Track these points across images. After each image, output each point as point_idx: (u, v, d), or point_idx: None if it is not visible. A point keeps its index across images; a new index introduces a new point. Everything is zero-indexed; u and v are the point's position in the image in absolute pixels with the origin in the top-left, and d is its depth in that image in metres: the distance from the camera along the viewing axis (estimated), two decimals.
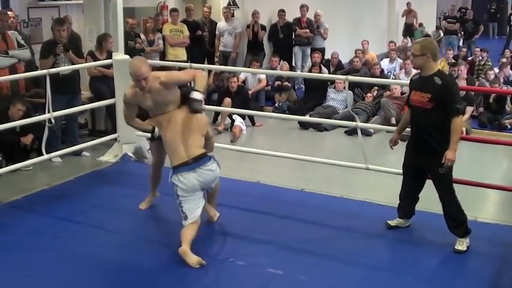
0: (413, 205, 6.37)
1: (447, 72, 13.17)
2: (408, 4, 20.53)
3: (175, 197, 5.89)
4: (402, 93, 11.92)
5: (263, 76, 13.04)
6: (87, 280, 5.37)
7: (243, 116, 10.95)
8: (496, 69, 13.76)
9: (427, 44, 5.94)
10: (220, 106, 10.76)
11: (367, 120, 11.20)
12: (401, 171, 6.79)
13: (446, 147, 5.72)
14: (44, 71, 7.62)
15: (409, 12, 20.43)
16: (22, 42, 9.19)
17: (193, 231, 5.74)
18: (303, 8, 14.71)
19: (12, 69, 8.78)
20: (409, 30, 20.19)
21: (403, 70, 13.26)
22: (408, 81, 6.50)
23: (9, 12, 10.30)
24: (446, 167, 5.77)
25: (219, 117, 11.00)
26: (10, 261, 5.67)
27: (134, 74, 5.96)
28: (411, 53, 7.48)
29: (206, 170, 5.93)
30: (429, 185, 6.20)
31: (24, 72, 8.91)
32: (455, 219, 5.96)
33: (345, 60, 15.07)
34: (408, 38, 19.33)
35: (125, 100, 6.28)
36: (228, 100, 10.92)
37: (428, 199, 6.30)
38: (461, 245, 5.88)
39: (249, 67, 12.95)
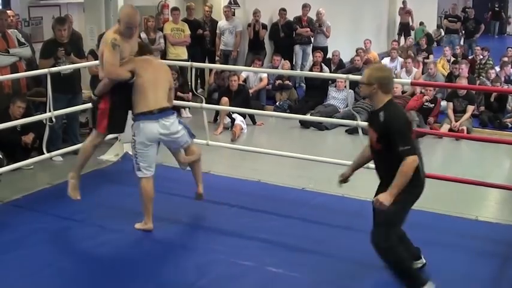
0: (410, 246, 5.52)
1: (448, 71, 13.26)
2: (404, 3, 20.58)
3: (132, 147, 6.16)
4: (403, 92, 11.96)
5: (264, 75, 13.04)
6: (88, 278, 5.39)
7: (243, 115, 10.94)
8: (497, 68, 13.74)
9: (374, 72, 5.05)
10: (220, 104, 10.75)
11: (367, 119, 11.19)
12: None
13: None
14: (45, 70, 7.63)
15: (404, 12, 20.48)
16: (23, 40, 9.20)
17: (148, 196, 6.17)
18: (306, 7, 14.71)
19: (14, 68, 8.79)
20: (404, 30, 20.29)
21: (404, 69, 13.25)
22: (409, 80, 6.45)
23: (8, 11, 10.31)
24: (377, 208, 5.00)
25: (219, 116, 10.97)
26: (11, 260, 5.68)
27: (129, 21, 6.10)
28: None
29: (168, 122, 6.18)
30: (430, 184, 6.19)
31: (25, 71, 8.93)
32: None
33: (346, 59, 15.06)
34: (403, 38, 19.36)
35: (116, 43, 6.14)
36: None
37: (429, 198, 6.29)
38: None
39: (251, 66, 12.95)
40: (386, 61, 14.22)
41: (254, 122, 11.41)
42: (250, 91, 12.51)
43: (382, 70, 5.26)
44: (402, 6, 20.70)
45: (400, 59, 14.13)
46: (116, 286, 5.34)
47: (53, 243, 6.08)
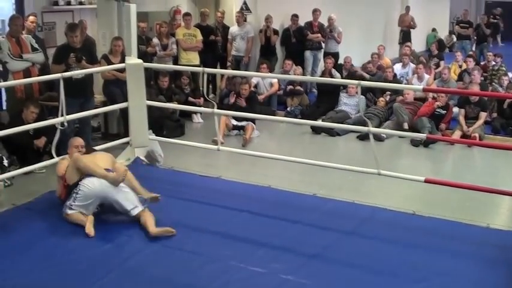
0: None
1: (457, 76, 13.20)
2: (407, 8, 20.02)
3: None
4: (415, 99, 11.91)
5: (275, 80, 13.05)
6: (97, 282, 5.38)
7: (253, 121, 10.92)
8: (510, 75, 13.68)
9: None
10: (234, 106, 10.73)
11: (379, 125, 11.19)
12: (414, 176, 6.79)
13: None
14: (58, 75, 7.65)
15: (404, 19, 19.75)
16: (36, 45, 9.26)
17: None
18: (316, 12, 14.71)
19: (27, 73, 8.87)
20: (406, 38, 19.43)
21: (416, 75, 13.22)
22: (421, 87, 6.42)
23: (31, 17, 10.38)
24: None
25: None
26: (22, 263, 5.69)
27: None
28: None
29: None
30: (442, 191, 6.19)
31: (38, 76, 8.98)
32: None
33: (357, 64, 15.04)
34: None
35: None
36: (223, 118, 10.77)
37: (440, 205, 6.30)
38: None
39: (258, 70, 12.96)
40: (398, 67, 14.18)
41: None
42: (261, 97, 12.54)
43: None
44: (404, 12, 20.03)
45: (412, 65, 14.09)
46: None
47: (64, 246, 6.08)
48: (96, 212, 6.62)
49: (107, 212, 6.68)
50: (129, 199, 6.55)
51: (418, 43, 19.44)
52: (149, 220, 6.38)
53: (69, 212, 6.50)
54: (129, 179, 6.77)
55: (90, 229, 6.31)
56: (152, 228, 6.29)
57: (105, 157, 7.01)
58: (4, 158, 7.82)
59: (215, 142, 9.19)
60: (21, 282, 5.40)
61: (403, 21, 19.51)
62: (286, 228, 6.52)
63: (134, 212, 6.48)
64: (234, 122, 11.05)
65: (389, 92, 12.27)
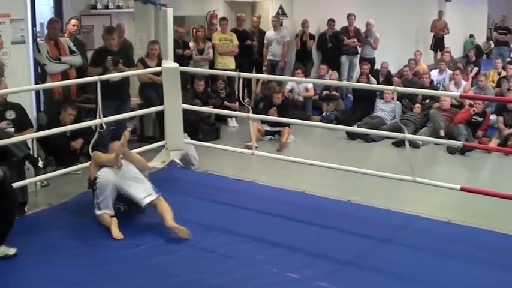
0: None
1: (495, 83, 13.04)
2: (440, 13, 19.73)
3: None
4: (452, 105, 11.81)
5: (310, 85, 13.03)
6: (129, 283, 5.43)
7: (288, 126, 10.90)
8: None
9: None
10: (266, 115, 10.72)
11: (415, 132, 11.11)
12: (449, 184, 6.73)
13: None
14: (95, 78, 7.72)
15: (437, 24, 19.45)
16: (74, 48, 9.35)
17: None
18: (350, 16, 14.68)
19: (64, 75, 8.97)
20: (438, 44, 19.35)
21: (453, 81, 13.11)
22: (458, 93, 6.34)
23: (73, 20, 10.50)
24: None
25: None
26: (57, 261, 5.78)
27: None
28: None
29: None
30: (478, 199, 6.11)
31: (75, 78, 9.08)
32: None
33: (393, 70, 14.95)
34: (439, 52, 18.83)
35: None
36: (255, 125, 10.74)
37: (476, 214, 6.23)
38: None
39: (293, 75, 12.95)
40: (434, 73, 14.07)
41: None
42: (299, 98, 12.57)
43: None
44: (438, 17, 19.70)
45: (449, 71, 13.98)
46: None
47: (95, 246, 6.14)
48: (125, 212, 6.68)
49: (137, 213, 6.73)
50: (142, 187, 6.63)
51: (455, 49, 19.25)
52: (167, 213, 6.44)
53: (97, 212, 6.61)
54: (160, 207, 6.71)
55: (117, 233, 6.38)
56: (170, 221, 6.35)
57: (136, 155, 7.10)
58: (40, 159, 7.90)
59: (248, 147, 9.21)
60: (54, 279, 5.47)
61: (435, 26, 19.32)
62: (320, 234, 6.50)
63: (147, 201, 6.54)
64: (267, 128, 11.05)
65: (428, 100, 12.15)
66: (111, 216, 6.53)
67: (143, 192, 6.57)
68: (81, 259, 5.88)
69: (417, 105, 11.97)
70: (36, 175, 7.63)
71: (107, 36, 9.18)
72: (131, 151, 6.97)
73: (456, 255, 5.99)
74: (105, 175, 6.61)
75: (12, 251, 5.76)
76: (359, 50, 15.01)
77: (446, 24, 19.33)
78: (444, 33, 19.21)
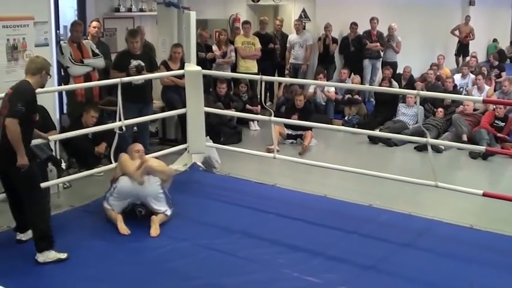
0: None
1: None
2: (467, 18, 19.34)
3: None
4: (475, 110, 11.73)
5: (332, 89, 13.02)
6: (148, 285, 5.45)
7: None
8: None
9: None
10: (289, 118, 10.71)
11: (437, 136, 11.04)
12: (471, 189, 6.68)
13: None
14: (117, 80, 7.77)
15: (463, 30, 18.96)
16: (97, 51, 9.40)
17: None
18: (373, 20, 14.62)
19: (87, 78, 9.01)
20: (463, 50, 18.99)
21: (476, 86, 13.03)
22: (481, 98, 6.30)
23: (94, 22, 10.56)
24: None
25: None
26: (77, 262, 5.82)
27: None
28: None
29: None
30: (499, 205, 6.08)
31: (98, 80, 9.14)
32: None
33: (416, 74, 14.88)
34: (461, 58, 18.62)
35: None
36: (277, 128, 10.79)
37: (498, 220, 6.18)
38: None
39: (315, 79, 12.93)
40: (457, 77, 13.99)
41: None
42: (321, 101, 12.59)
43: None
44: (464, 22, 19.33)
45: (472, 76, 13.89)
46: None
47: (117, 248, 6.18)
48: (146, 215, 6.74)
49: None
50: (158, 200, 6.73)
51: (478, 54, 19.06)
52: (156, 223, 6.60)
53: (105, 205, 6.77)
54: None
55: (123, 228, 6.53)
56: (153, 231, 6.52)
57: (160, 162, 7.15)
58: (63, 160, 7.96)
59: (269, 150, 9.20)
60: (74, 279, 5.53)
61: (461, 31, 19.10)
62: (341, 238, 6.49)
63: (158, 212, 6.70)
64: (289, 131, 11.05)
65: (453, 107, 12.07)
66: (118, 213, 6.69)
67: (160, 206, 6.73)
68: (101, 261, 5.91)
69: (440, 109, 11.90)
70: (58, 177, 7.69)
71: (130, 39, 9.23)
72: (155, 164, 6.95)
73: (478, 261, 5.96)
74: (124, 183, 6.70)
75: (63, 255, 5.81)
76: (382, 54, 14.95)
77: (472, 30, 19.04)
78: (470, 39, 19.01)
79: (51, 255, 5.74)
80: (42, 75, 5.86)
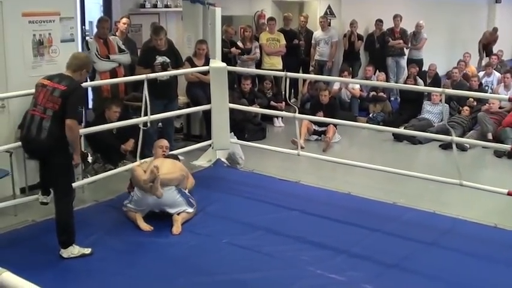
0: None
1: None
2: (495, 29, 18.91)
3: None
4: (500, 108, 11.64)
5: (357, 86, 12.98)
6: (172, 281, 5.47)
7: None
8: None
9: None
10: (314, 115, 10.69)
11: (462, 135, 10.97)
12: (496, 188, 6.64)
13: None
14: (143, 76, 7.79)
15: (489, 38, 18.64)
16: (123, 47, 9.45)
17: None
18: (396, 17, 14.56)
19: (113, 73, 9.07)
20: (486, 50, 18.57)
21: (502, 84, 12.91)
22: (507, 96, 6.24)
23: (124, 19, 10.63)
24: None
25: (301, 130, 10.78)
26: (99, 257, 5.86)
27: None
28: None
29: None
30: None
31: (124, 76, 9.19)
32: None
33: (441, 72, 14.79)
34: (484, 57, 18.31)
35: None
36: (305, 123, 10.81)
37: None
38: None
39: (340, 76, 12.91)
40: (482, 75, 13.86)
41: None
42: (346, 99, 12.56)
43: None
44: (491, 31, 18.96)
45: (498, 74, 13.77)
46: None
47: (139, 243, 6.21)
48: (167, 214, 6.76)
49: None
50: (177, 205, 6.74)
51: (504, 51, 18.91)
52: (178, 221, 6.62)
53: (124, 209, 6.81)
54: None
55: (144, 226, 6.58)
56: (175, 228, 6.52)
57: (170, 166, 7.08)
58: (89, 154, 8.01)
59: (294, 143, 9.17)
60: (97, 273, 5.56)
61: (486, 38, 18.81)
62: (365, 236, 6.47)
63: (176, 213, 6.71)
64: (315, 127, 11.04)
65: (472, 100, 11.99)
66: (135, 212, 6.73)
67: (177, 209, 6.73)
68: (124, 256, 5.96)
69: (465, 107, 11.82)
70: (84, 170, 7.75)
71: (154, 37, 9.26)
72: (164, 171, 6.82)
73: (502, 261, 5.92)
74: (142, 198, 6.68)
75: (87, 250, 5.84)
76: (406, 51, 14.88)
77: (497, 38, 18.88)
78: (493, 45, 18.77)
79: (75, 250, 5.78)
80: (82, 73, 5.92)
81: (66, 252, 5.75)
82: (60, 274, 5.53)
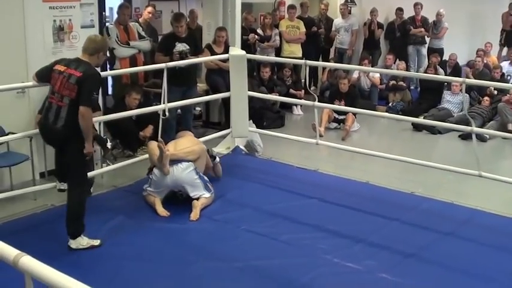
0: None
1: None
2: (510, 6, 17.51)
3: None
4: None
5: (377, 75, 12.93)
6: (189, 267, 5.48)
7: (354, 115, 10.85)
8: None
9: None
10: (332, 104, 10.67)
11: (482, 125, 10.90)
12: None
13: None
14: (162, 65, 7.79)
15: (508, 19, 17.23)
16: (143, 33, 9.47)
17: None
18: (417, 6, 14.46)
19: (133, 60, 9.09)
20: (509, 39, 17.04)
21: None
22: None
23: (150, 8, 10.68)
24: None
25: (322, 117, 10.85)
26: (116, 242, 5.90)
27: None
28: None
29: None
30: None
31: (144, 62, 9.21)
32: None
33: (462, 62, 14.69)
34: (506, 48, 17.88)
35: None
36: (326, 110, 10.79)
37: None
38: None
39: (360, 64, 12.86)
40: (505, 65, 13.76)
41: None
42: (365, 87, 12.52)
43: None
44: (507, 10, 17.50)
45: None
46: (218, 279, 5.36)
47: (157, 229, 6.23)
48: (186, 198, 6.78)
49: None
50: (195, 187, 6.76)
51: None
52: (197, 208, 6.62)
53: (144, 193, 6.85)
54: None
55: (162, 211, 6.61)
56: (193, 215, 6.53)
57: (187, 141, 7.18)
58: (108, 140, 8.04)
59: (314, 127, 9.13)
60: (112, 257, 5.57)
61: (506, 21, 18.46)
62: (383, 226, 6.46)
63: (194, 196, 6.73)
64: (335, 115, 11.02)
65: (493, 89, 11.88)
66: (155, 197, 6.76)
67: (195, 192, 6.76)
68: (140, 241, 5.97)
69: (486, 98, 11.74)
70: (103, 156, 7.79)
71: (175, 23, 9.24)
72: (179, 148, 6.94)
73: None
74: (160, 177, 6.72)
75: (96, 242, 5.81)
76: (427, 39, 14.78)
77: None
78: None
79: (84, 241, 5.73)
80: (99, 56, 5.85)
81: (74, 243, 5.71)
82: (77, 258, 5.54)
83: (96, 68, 6.03)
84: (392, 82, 12.85)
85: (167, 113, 7.68)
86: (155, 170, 6.76)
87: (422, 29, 14.47)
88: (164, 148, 6.60)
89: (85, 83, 5.54)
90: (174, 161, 6.70)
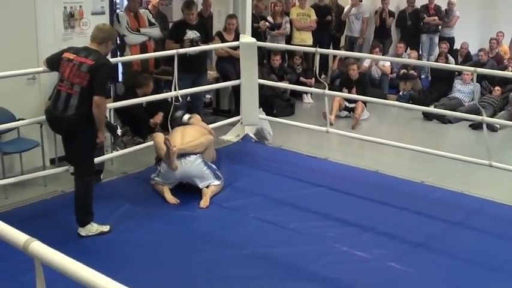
0: None
1: None
2: None
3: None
4: None
5: (387, 63, 12.89)
6: (197, 254, 5.48)
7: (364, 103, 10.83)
8: None
9: None
10: (341, 92, 10.65)
11: (493, 115, 10.86)
12: None
13: None
14: (173, 51, 7.78)
15: None
16: (153, 20, 9.46)
17: None
18: None
19: (143, 47, 9.09)
20: None
21: None
22: None
23: None
24: None
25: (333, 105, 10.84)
26: (125, 228, 5.91)
27: None
28: None
29: None
30: None
31: (154, 50, 9.20)
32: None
33: (473, 51, 14.60)
34: None
35: None
36: (337, 98, 10.77)
37: None
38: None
39: (371, 53, 12.81)
40: None
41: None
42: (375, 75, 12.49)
43: None
44: None
45: None
46: (227, 266, 5.36)
47: (166, 216, 6.26)
48: (194, 186, 6.79)
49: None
50: (204, 177, 6.74)
51: None
52: (207, 195, 6.62)
53: (152, 182, 6.85)
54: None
55: (171, 198, 6.61)
56: (203, 202, 6.54)
57: (193, 132, 7.14)
58: (118, 126, 8.06)
59: (324, 115, 9.11)
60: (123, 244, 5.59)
61: None
62: (392, 215, 6.46)
63: (203, 186, 6.72)
64: (346, 103, 11.01)
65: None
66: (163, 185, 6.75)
67: (203, 182, 6.74)
68: (149, 228, 5.99)
69: (496, 87, 11.69)
70: (113, 143, 7.80)
71: (186, 11, 9.23)
72: (186, 140, 6.89)
73: None
74: (168, 171, 6.69)
75: (106, 227, 5.83)
76: (440, 28, 14.70)
77: None
78: None
79: (93, 228, 5.75)
80: (108, 45, 5.84)
81: (84, 231, 5.72)
82: (87, 244, 5.57)
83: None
84: (403, 71, 12.81)
85: (180, 99, 7.68)
86: (163, 164, 6.75)
87: (436, 18, 14.38)
88: (171, 145, 6.55)
89: (99, 72, 5.53)
90: (182, 155, 6.67)
